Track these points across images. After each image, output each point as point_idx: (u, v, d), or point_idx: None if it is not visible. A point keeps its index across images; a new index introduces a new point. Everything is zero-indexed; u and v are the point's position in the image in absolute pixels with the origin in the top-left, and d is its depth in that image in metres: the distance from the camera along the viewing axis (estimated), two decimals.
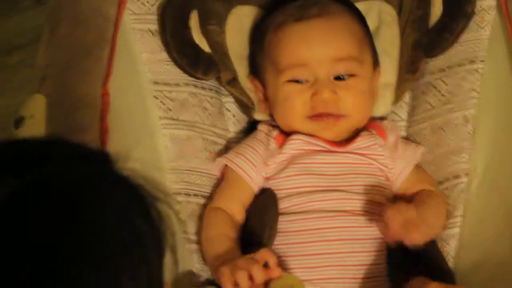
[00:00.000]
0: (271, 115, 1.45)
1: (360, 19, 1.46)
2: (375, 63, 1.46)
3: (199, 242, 1.39)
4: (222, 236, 1.34)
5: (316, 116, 1.38)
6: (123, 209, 0.76)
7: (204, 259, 1.37)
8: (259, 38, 1.45)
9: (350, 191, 1.36)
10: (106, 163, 0.79)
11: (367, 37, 1.45)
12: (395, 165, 1.41)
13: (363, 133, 1.41)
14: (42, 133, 1.23)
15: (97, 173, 0.77)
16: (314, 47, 1.38)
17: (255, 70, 1.46)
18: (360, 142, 1.40)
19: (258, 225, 1.35)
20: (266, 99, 1.44)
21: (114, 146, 1.27)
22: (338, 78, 1.39)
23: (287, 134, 1.42)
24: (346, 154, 1.39)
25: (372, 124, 1.44)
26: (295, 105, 1.38)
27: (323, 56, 1.38)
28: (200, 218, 1.40)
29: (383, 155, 1.40)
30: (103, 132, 1.27)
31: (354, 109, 1.39)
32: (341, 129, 1.40)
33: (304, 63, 1.38)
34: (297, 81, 1.39)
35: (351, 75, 1.39)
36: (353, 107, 1.39)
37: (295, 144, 1.40)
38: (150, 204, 0.78)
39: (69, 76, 1.30)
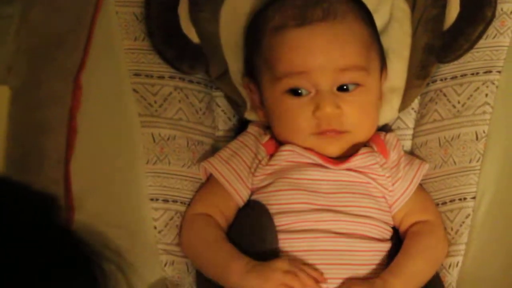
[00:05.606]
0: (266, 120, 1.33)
1: (368, 18, 1.32)
2: (382, 66, 1.32)
3: (175, 253, 1.27)
4: (220, 239, 1.23)
5: (320, 133, 1.26)
6: (60, 269, 0.67)
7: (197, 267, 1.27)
8: (256, 38, 1.31)
9: (344, 212, 1.24)
10: (51, 211, 0.70)
11: (375, 40, 1.31)
12: (394, 188, 1.29)
13: (363, 150, 1.29)
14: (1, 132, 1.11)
15: (36, 227, 0.69)
16: (316, 55, 1.24)
17: (251, 72, 1.32)
18: (358, 161, 1.28)
19: (255, 243, 1.23)
20: (263, 104, 1.31)
21: (82, 148, 1.14)
22: (342, 88, 1.26)
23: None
24: (342, 171, 1.27)
25: (374, 138, 1.32)
26: (297, 122, 1.26)
27: (326, 65, 1.24)
28: (178, 227, 1.28)
29: (383, 176, 1.28)
30: (71, 132, 1.14)
31: (358, 125, 1.27)
32: (345, 144, 1.28)
33: (304, 71, 1.24)
34: (296, 93, 1.26)
35: (357, 85, 1.26)
36: (358, 123, 1.27)
37: (286, 156, 1.28)
38: (94, 263, 0.68)
39: (38, 68, 1.16)
